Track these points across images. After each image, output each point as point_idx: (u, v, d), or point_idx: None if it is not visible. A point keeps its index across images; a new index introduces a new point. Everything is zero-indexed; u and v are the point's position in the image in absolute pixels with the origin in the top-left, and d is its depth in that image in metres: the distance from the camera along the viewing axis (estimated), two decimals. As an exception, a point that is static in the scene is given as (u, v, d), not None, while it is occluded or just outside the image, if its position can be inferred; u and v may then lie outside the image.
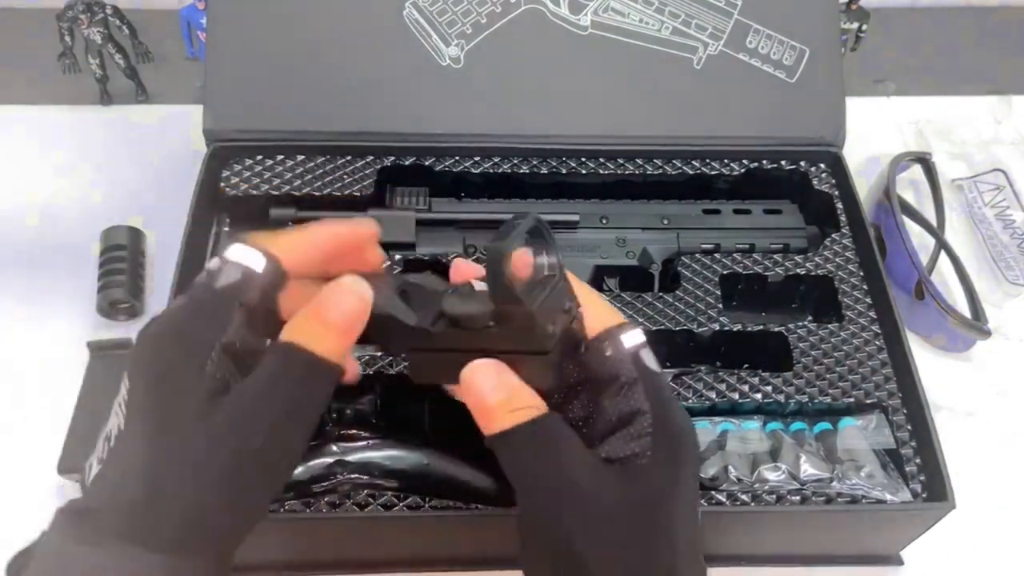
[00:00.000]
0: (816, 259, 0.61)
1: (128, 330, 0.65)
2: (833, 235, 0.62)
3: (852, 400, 0.54)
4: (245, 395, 0.32)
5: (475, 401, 0.34)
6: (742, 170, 0.65)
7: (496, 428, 0.33)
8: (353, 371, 0.37)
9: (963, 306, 0.67)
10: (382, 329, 0.35)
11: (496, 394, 0.33)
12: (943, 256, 0.71)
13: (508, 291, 0.32)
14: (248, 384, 0.32)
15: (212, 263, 0.34)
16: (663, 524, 0.33)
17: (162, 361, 0.32)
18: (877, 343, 0.57)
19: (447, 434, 0.50)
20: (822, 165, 0.66)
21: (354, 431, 0.52)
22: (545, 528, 0.33)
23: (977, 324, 0.65)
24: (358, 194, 0.61)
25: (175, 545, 0.30)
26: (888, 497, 0.50)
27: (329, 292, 0.33)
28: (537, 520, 0.34)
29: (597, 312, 0.36)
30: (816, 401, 0.54)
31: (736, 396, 0.54)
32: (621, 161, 0.65)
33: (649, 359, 0.36)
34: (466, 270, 0.39)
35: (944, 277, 0.71)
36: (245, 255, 0.33)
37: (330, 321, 0.32)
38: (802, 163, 0.66)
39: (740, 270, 0.60)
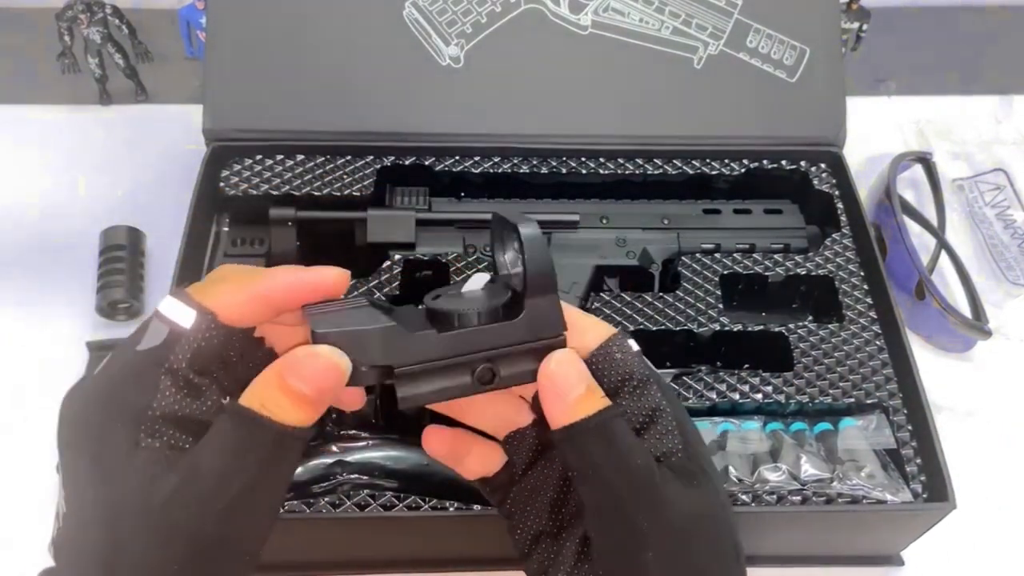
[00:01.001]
0: (816, 259, 0.61)
1: (128, 330, 0.64)
2: (833, 235, 0.62)
3: (852, 400, 0.54)
4: (195, 472, 0.28)
5: (559, 391, 0.32)
6: (742, 170, 0.65)
7: (569, 419, 0.32)
8: (357, 399, 0.35)
9: (964, 306, 0.67)
10: (374, 350, 0.32)
11: (581, 384, 0.32)
12: (944, 256, 0.71)
13: (546, 264, 0.32)
14: (199, 459, 0.28)
15: (148, 318, 0.31)
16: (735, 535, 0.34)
17: (88, 435, 0.29)
18: (877, 343, 0.57)
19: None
20: (822, 165, 0.66)
21: (354, 431, 0.52)
22: (615, 520, 0.32)
23: (978, 324, 0.65)
24: (358, 194, 0.61)
25: None
26: (889, 497, 0.50)
27: (299, 359, 0.30)
28: (607, 510, 0.33)
29: (592, 324, 0.35)
30: (816, 401, 0.54)
31: (736, 396, 0.54)
32: (621, 161, 0.65)
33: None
34: None
35: (945, 277, 0.71)
36: (174, 311, 0.30)
37: (298, 392, 0.29)
38: (802, 163, 0.66)
39: (740, 270, 0.60)
